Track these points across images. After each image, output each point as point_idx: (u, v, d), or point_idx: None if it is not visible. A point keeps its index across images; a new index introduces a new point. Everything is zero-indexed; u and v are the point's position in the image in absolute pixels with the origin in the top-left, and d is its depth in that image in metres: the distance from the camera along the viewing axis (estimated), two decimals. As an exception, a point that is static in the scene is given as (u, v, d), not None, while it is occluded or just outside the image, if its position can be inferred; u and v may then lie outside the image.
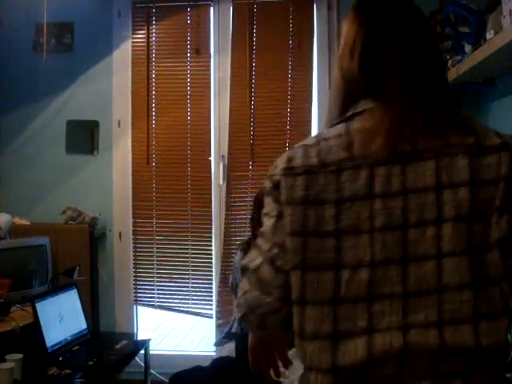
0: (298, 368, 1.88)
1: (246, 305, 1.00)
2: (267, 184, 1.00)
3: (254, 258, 0.99)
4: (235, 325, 2.48)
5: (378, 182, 0.89)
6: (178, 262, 3.34)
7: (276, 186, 0.97)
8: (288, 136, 3.21)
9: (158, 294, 3.37)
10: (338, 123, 0.97)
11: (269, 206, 0.98)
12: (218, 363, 2.33)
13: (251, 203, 3.19)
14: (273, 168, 1.02)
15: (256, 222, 2.43)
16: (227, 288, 3.17)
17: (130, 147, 3.36)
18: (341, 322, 0.88)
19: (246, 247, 2.46)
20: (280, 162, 1.01)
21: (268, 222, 0.97)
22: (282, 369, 1.30)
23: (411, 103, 0.91)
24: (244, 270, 1.02)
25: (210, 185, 3.29)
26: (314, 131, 3.23)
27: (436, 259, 0.86)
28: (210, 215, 3.30)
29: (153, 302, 3.39)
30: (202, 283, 3.32)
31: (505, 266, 0.86)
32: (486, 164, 0.88)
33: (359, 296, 0.88)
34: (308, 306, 0.91)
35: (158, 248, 3.35)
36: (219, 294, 3.22)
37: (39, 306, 2.37)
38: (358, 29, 0.96)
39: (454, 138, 0.89)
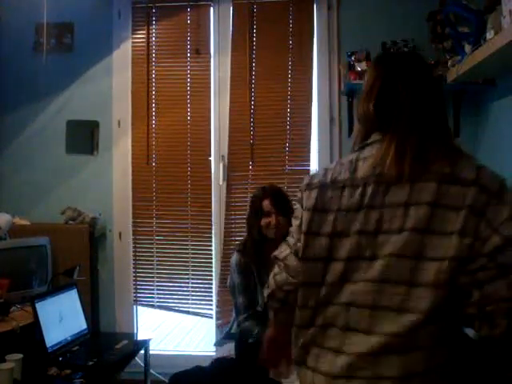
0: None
1: (274, 283, 1.34)
2: (298, 194, 1.31)
3: (283, 250, 1.34)
4: (235, 325, 2.48)
5: (367, 198, 1.14)
6: (177, 262, 3.34)
7: (301, 196, 1.29)
8: (288, 136, 3.21)
9: (158, 294, 3.37)
10: (354, 151, 1.25)
11: (296, 211, 1.32)
12: (218, 363, 2.32)
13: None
14: (302, 184, 1.31)
15: (250, 223, 2.43)
16: (227, 288, 3.17)
17: (129, 147, 3.36)
18: (322, 300, 1.20)
19: (242, 248, 2.46)
20: (305, 179, 1.31)
21: (294, 223, 1.31)
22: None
23: (407, 140, 1.14)
24: (275, 258, 1.36)
25: (210, 185, 3.29)
26: (314, 131, 3.23)
27: (390, 257, 1.10)
28: (210, 215, 3.30)
29: (153, 302, 3.39)
30: (202, 283, 3.32)
31: (454, 279, 1.05)
32: (453, 192, 1.08)
33: (334, 282, 1.17)
34: (303, 287, 1.24)
35: (157, 248, 3.35)
36: (219, 294, 3.22)
37: (39, 306, 2.37)
38: (376, 78, 1.24)
39: (434, 168, 1.11)
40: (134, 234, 3.37)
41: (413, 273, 1.08)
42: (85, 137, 3.39)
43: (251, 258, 2.41)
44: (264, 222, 2.37)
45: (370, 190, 1.14)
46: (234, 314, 2.53)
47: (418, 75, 1.22)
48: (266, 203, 2.38)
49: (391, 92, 1.19)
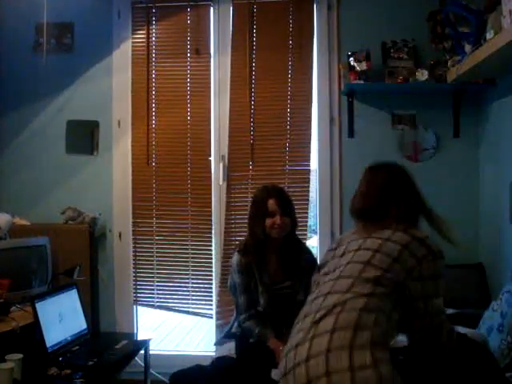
0: None
1: None
2: None
3: None
4: (235, 324, 2.48)
5: (345, 249, 1.66)
6: (177, 262, 3.34)
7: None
8: (288, 136, 3.22)
9: (158, 293, 3.37)
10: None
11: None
12: (218, 362, 2.32)
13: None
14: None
15: (253, 222, 2.42)
16: (227, 288, 3.17)
17: (129, 147, 3.36)
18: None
19: (243, 248, 2.45)
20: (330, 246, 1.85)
21: None
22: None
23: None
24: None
25: (210, 185, 3.29)
26: (314, 131, 3.23)
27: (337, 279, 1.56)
28: (210, 215, 3.30)
29: (153, 302, 3.39)
30: (202, 283, 3.32)
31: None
32: (389, 246, 1.54)
33: (308, 312, 1.56)
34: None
35: (157, 248, 3.35)
36: (219, 294, 3.22)
37: (39, 306, 2.37)
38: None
39: (383, 234, 1.59)
40: (133, 234, 3.37)
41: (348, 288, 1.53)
42: (85, 137, 3.39)
43: (252, 258, 2.40)
44: (269, 221, 2.36)
45: (350, 245, 1.66)
46: (234, 314, 2.53)
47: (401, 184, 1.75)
48: (271, 203, 2.37)
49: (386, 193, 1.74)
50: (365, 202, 1.75)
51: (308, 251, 2.60)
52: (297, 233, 2.56)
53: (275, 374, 2.01)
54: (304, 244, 2.68)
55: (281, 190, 2.51)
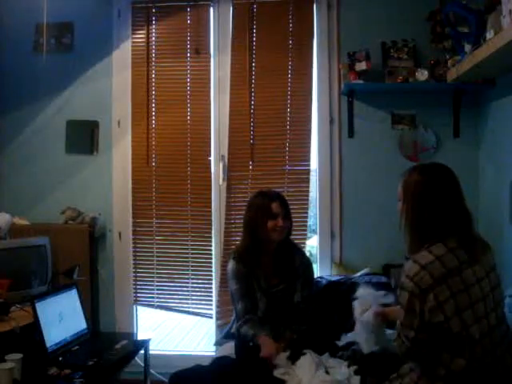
0: (306, 368, 1.90)
1: None
2: None
3: None
4: (235, 324, 2.48)
5: None
6: (177, 262, 3.34)
7: None
8: (288, 136, 3.21)
9: (158, 293, 3.37)
10: None
11: None
12: (218, 362, 2.32)
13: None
14: None
15: (255, 225, 2.41)
16: (227, 288, 3.17)
17: (129, 147, 3.36)
18: None
19: (237, 256, 2.44)
20: None
21: None
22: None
23: None
24: None
25: (210, 185, 3.29)
26: (314, 131, 3.23)
27: None
28: (210, 215, 3.30)
29: (153, 301, 3.39)
30: (202, 283, 3.32)
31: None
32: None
33: None
34: None
35: (157, 248, 3.35)
36: (219, 293, 3.22)
37: (39, 305, 2.37)
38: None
39: None
40: (133, 234, 3.37)
41: None
42: (85, 137, 3.38)
43: (249, 264, 2.40)
44: (271, 223, 2.36)
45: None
46: (234, 315, 2.53)
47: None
48: (276, 205, 2.38)
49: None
50: None
51: (302, 252, 2.61)
52: (294, 234, 2.57)
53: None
54: (297, 245, 2.68)
55: (282, 194, 2.53)
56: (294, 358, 2.09)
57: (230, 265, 2.46)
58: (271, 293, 2.40)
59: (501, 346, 1.65)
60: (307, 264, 2.54)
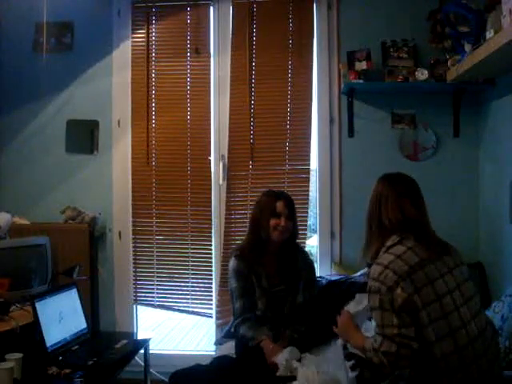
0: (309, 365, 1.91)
1: None
2: None
3: None
4: (235, 324, 2.48)
5: None
6: (177, 261, 3.34)
7: None
8: (288, 135, 3.21)
9: (158, 293, 3.37)
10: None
11: None
12: (218, 361, 2.33)
13: (251, 203, 3.20)
14: None
15: (259, 223, 2.40)
16: (227, 288, 3.17)
17: (129, 147, 3.36)
18: None
19: (239, 254, 2.44)
20: None
21: None
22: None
23: None
24: None
25: (210, 184, 3.29)
26: (314, 130, 3.23)
27: None
28: (210, 215, 3.30)
29: (153, 301, 3.39)
30: (202, 282, 3.32)
31: None
32: None
33: None
34: None
35: (157, 247, 3.35)
36: (219, 293, 3.23)
37: (39, 305, 2.37)
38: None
39: None
40: (133, 234, 3.37)
41: None
42: (85, 136, 3.39)
43: (249, 263, 2.40)
44: (273, 222, 2.36)
45: None
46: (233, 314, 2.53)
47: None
48: (280, 205, 2.38)
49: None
50: None
51: (305, 254, 2.62)
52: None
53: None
54: (301, 247, 2.67)
55: (289, 196, 2.52)
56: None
57: (231, 263, 2.46)
58: (272, 292, 2.40)
59: (485, 356, 1.65)
60: (310, 265, 2.55)
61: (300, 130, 3.22)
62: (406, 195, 1.82)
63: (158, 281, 3.36)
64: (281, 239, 2.41)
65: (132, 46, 3.35)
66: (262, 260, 2.42)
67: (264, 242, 2.40)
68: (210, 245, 3.31)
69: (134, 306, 3.40)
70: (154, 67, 3.33)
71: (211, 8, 3.29)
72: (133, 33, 3.35)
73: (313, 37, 3.20)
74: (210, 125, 3.29)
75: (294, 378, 1.96)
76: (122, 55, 3.34)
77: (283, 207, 2.38)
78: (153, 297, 3.38)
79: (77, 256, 3.04)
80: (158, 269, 3.35)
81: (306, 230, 3.23)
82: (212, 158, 3.30)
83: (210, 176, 3.29)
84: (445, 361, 1.60)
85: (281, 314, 2.36)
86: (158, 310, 3.52)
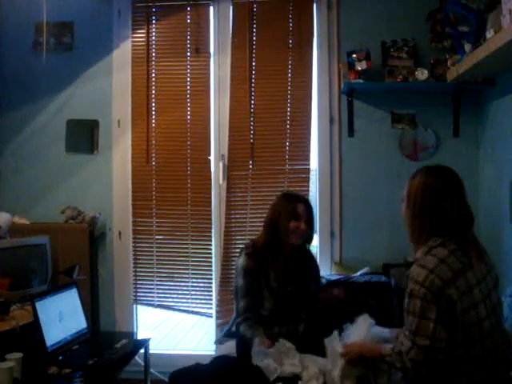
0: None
1: None
2: None
3: None
4: (236, 322, 2.47)
5: None
6: (177, 261, 3.34)
7: None
8: (288, 135, 3.21)
9: (158, 293, 3.37)
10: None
11: None
12: (218, 361, 2.32)
13: (252, 203, 3.20)
14: None
15: (277, 224, 2.37)
16: (227, 287, 3.17)
17: (129, 146, 3.36)
18: None
19: (251, 251, 2.38)
20: None
21: None
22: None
23: None
24: None
25: (210, 184, 3.29)
26: (314, 130, 3.23)
27: None
28: (210, 214, 3.30)
29: (153, 301, 3.39)
30: (202, 282, 3.32)
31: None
32: None
33: None
34: None
35: (157, 247, 3.35)
36: (219, 292, 3.23)
37: (39, 305, 2.37)
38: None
39: None
40: (133, 233, 3.37)
41: None
42: (85, 136, 3.39)
43: (262, 262, 2.37)
44: (293, 224, 2.32)
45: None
46: (234, 313, 2.52)
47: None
48: (302, 207, 2.34)
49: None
50: None
51: (314, 258, 2.62)
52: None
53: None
54: (312, 253, 2.66)
55: (308, 200, 2.52)
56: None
57: (241, 260, 2.39)
58: (280, 293, 2.38)
59: (494, 354, 1.65)
60: (318, 269, 2.57)
61: (300, 130, 3.22)
62: (457, 193, 1.73)
63: (157, 280, 3.36)
64: (299, 242, 2.38)
65: (132, 45, 3.35)
66: (274, 261, 2.40)
67: (279, 243, 2.38)
68: (210, 244, 3.31)
69: (134, 306, 3.40)
70: (154, 67, 3.33)
71: (211, 8, 3.30)
72: (133, 33, 3.35)
73: (313, 37, 3.20)
74: (209, 124, 3.29)
75: (296, 379, 1.96)
76: (122, 55, 3.34)
77: (304, 210, 2.34)
78: (153, 296, 3.38)
79: (77, 256, 3.04)
80: (157, 268, 3.36)
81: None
82: (212, 157, 3.30)
83: (210, 176, 3.29)
84: (471, 363, 1.59)
85: (287, 314, 2.35)
86: (158, 309, 3.52)
